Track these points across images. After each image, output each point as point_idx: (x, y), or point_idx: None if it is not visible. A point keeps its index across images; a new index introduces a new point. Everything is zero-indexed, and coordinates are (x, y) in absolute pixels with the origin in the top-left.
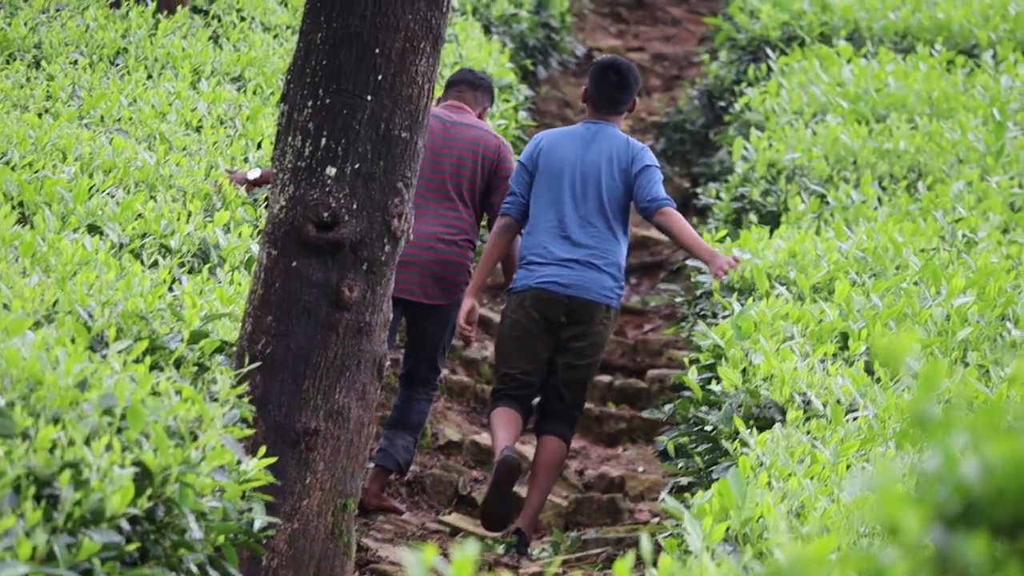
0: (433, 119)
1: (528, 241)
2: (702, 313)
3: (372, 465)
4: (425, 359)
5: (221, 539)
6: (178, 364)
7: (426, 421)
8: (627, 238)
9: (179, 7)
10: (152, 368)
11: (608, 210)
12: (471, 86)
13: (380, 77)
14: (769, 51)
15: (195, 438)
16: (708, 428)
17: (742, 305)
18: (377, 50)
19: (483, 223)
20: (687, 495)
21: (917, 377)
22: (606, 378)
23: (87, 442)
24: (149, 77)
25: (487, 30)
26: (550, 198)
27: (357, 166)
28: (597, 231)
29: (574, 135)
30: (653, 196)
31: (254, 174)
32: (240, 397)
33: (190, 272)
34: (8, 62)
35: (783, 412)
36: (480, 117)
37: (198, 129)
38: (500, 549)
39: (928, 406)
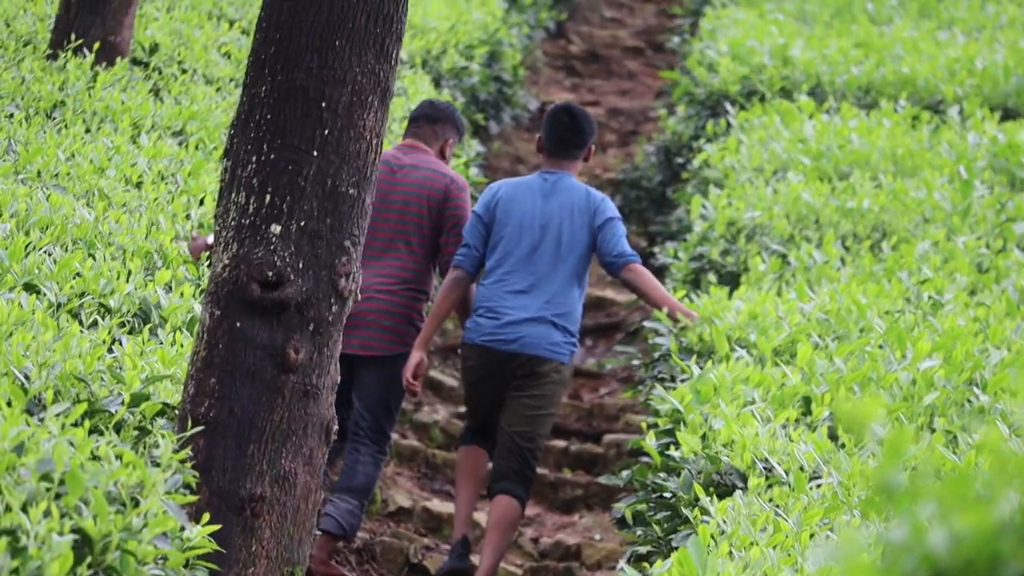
0: (381, 163)
1: (482, 292)
2: (660, 376)
3: (319, 532)
4: (368, 415)
5: None
6: (118, 428)
7: (375, 485)
8: (584, 293)
9: (118, 59)
10: (91, 432)
11: (567, 264)
12: (429, 120)
13: (326, 132)
14: (728, 106)
15: (136, 504)
16: (667, 495)
17: (701, 368)
18: (323, 104)
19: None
20: (646, 564)
21: (882, 444)
22: (561, 443)
23: (24, 508)
24: (87, 131)
25: (437, 83)
26: (507, 250)
27: (303, 223)
28: (553, 285)
29: (532, 186)
30: (620, 251)
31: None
32: (183, 462)
33: (130, 333)
34: None
35: (744, 479)
36: (443, 151)
37: (138, 185)
38: None
39: (894, 474)
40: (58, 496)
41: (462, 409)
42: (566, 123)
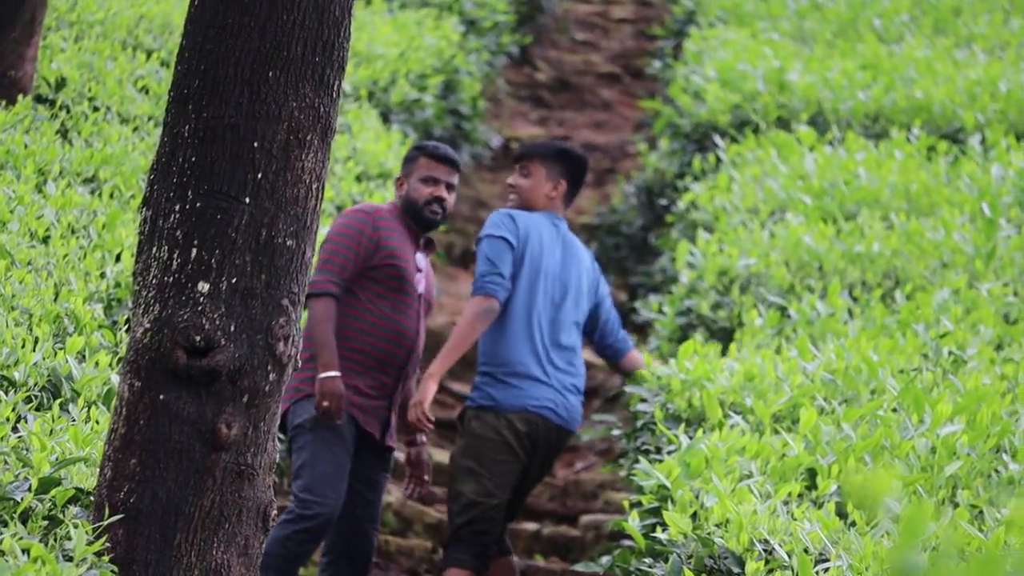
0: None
1: (503, 346)
2: (644, 448)
3: None
4: None
5: None
6: (25, 518)
7: (279, 550)
8: None
9: (20, 97)
10: None
11: (578, 328)
12: None
13: (260, 176)
14: (718, 139)
15: None
16: None
17: (691, 438)
18: (255, 144)
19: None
20: None
21: (899, 521)
22: (532, 526)
23: None
24: None
25: (385, 118)
26: (529, 298)
27: (234, 280)
28: (573, 349)
29: (548, 230)
30: (624, 335)
31: None
32: (99, 555)
33: (38, 409)
34: None
35: (741, 563)
36: (399, 187)
37: (45, 240)
38: None
39: (913, 555)
40: None
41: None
42: (583, 178)
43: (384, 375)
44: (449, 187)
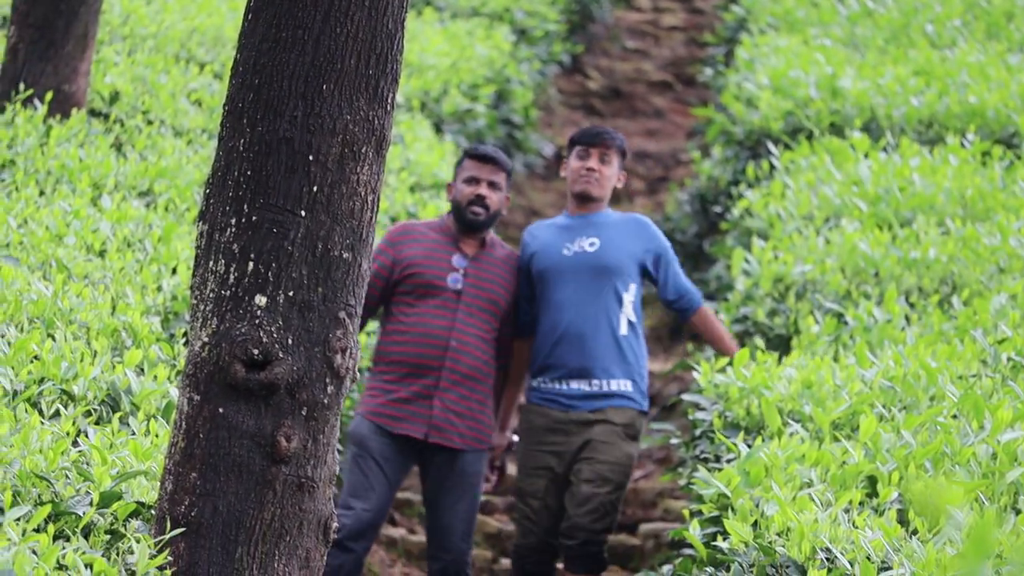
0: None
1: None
2: (702, 456)
3: None
4: None
5: None
6: (87, 532)
7: None
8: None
9: (74, 111)
10: (56, 538)
11: None
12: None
13: (315, 189)
14: (771, 146)
15: None
16: None
17: (750, 446)
18: (311, 157)
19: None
20: None
21: (961, 528)
22: None
23: None
24: (41, 193)
25: (438, 128)
26: None
27: (291, 293)
28: None
29: None
30: None
31: None
32: (161, 569)
33: (97, 423)
34: None
35: (803, 572)
36: (449, 193)
37: (101, 254)
38: None
39: (981, 563)
40: None
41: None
42: None
43: (422, 378)
44: (492, 185)
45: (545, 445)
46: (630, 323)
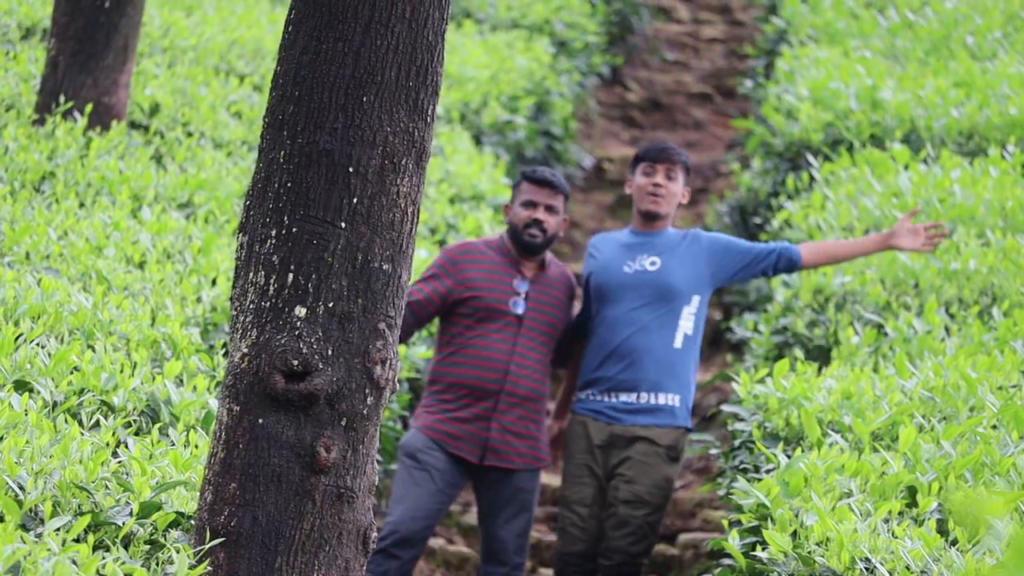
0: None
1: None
2: (742, 466)
3: None
4: None
5: None
6: (127, 542)
7: None
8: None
9: (114, 123)
10: (96, 548)
11: None
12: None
13: (355, 200)
14: (811, 157)
15: None
16: None
17: (789, 457)
18: (351, 169)
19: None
20: None
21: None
22: None
23: None
24: (81, 205)
25: (477, 140)
26: None
27: (331, 305)
28: None
29: None
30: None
31: None
32: None
33: (137, 433)
34: None
35: None
36: (506, 215)
37: (141, 265)
38: None
39: (1019, 574)
40: None
41: None
42: None
43: (481, 400)
44: (549, 209)
45: (590, 455)
46: (686, 336)
